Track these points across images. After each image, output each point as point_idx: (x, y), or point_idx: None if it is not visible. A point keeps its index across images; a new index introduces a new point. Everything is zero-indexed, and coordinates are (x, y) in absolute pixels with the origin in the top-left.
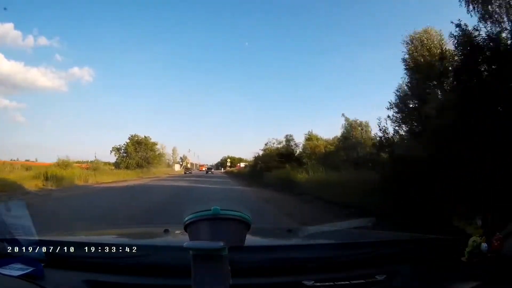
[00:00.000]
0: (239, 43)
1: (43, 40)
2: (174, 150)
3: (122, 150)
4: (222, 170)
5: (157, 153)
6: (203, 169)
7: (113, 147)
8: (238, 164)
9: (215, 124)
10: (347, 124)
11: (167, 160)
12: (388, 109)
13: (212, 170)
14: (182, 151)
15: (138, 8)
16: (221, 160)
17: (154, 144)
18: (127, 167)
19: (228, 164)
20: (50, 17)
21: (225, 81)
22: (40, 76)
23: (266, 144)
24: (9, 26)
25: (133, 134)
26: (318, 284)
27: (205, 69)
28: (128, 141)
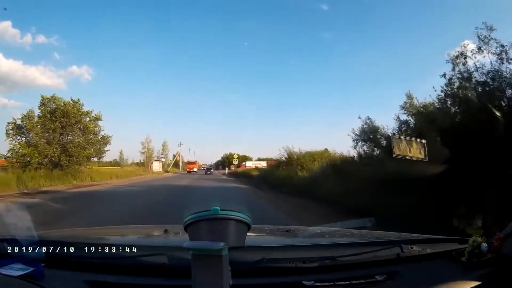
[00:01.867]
0: (238, 43)
1: (41, 39)
2: (164, 145)
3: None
4: (226, 170)
5: (98, 135)
6: (194, 169)
7: (10, 123)
8: (243, 164)
9: (214, 122)
10: None
11: (155, 157)
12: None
13: (212, 170)
14: (179, 149)
15: (136, 7)
16: (223, 158)
17: (94, 118)
18: (24, 166)
19: (235, 162)
20: (48, 15)
21: (226, 79)
22: (39, 75)
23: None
24: (7, 24)
25: (50, 96)
26: (318, 284)
27: (204, 66)
28: (37, 109)
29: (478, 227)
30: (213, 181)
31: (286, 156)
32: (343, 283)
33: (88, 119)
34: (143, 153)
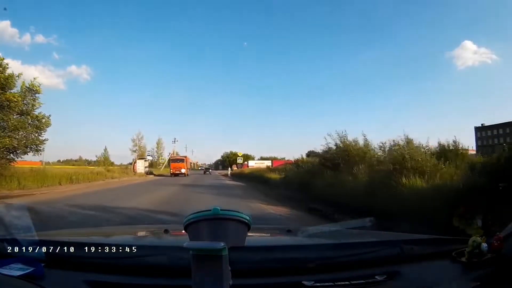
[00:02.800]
0: (238, 43)
1: (40, 38)
2: (159, 143)
3: None
4: (229, 171)
5: (31, 115)
6: (182, 169)
7: None
8: (245, 163)
9: (214, 121)
10: None
11: (147, 156)
12: None
13: (210, 170)
14: (174, 146)
15: (136, 6)
16: (223, 157)
17: (27, 89)
18: None
19: (239, 161)
20: (47, 15)
21: (226, 77)
22: (37, 74)
23: None
24: (5, 24)
25: None
26: (318, 284)
27: (204, 65)
28: None
29: (478, 227)
30: (211, 193)
31: (333, 149)
32: (343, 283)
33: (17, 89)
34: (134, 151)
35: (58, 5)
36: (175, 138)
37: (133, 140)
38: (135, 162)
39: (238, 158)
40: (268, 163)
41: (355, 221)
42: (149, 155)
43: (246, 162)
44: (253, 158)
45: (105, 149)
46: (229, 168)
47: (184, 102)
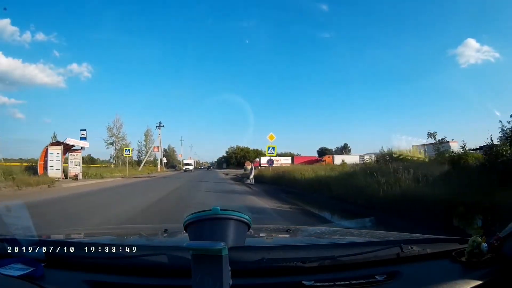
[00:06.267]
0: (240, 40)
1: (40, 36)
2: (147, 134)
3: None
4: (252, 174)
5: None
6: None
7: None
8: (257, 161)
9: (215, 117)
10: None
11: (82, 139)
12: None
13: (211, 168)
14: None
15: (136, 3)
16: (228, 153)
17: None
18: None
19: (271, 152)
20: (47, 12)
21: (226, 71)
22: (38, 73)
23: None
24: (5, 22)
25: None
26: (318, 284)
27: (205, 63)
28: None
29: (478, 227)
30: None
31: None
32: (343, 283)
33: None
34: (111, 143)
35: (57, 1)
36: (159, 122)
37: (110, 129)
38: (44, 153)
39: (269, 148)
40: (285, 160)
41: (355, 221)
42: (83, 138)
43: (257, 159)
44: (264, 154)
45: (54, 136)
46: (251, 168)
47: (183, 98)
